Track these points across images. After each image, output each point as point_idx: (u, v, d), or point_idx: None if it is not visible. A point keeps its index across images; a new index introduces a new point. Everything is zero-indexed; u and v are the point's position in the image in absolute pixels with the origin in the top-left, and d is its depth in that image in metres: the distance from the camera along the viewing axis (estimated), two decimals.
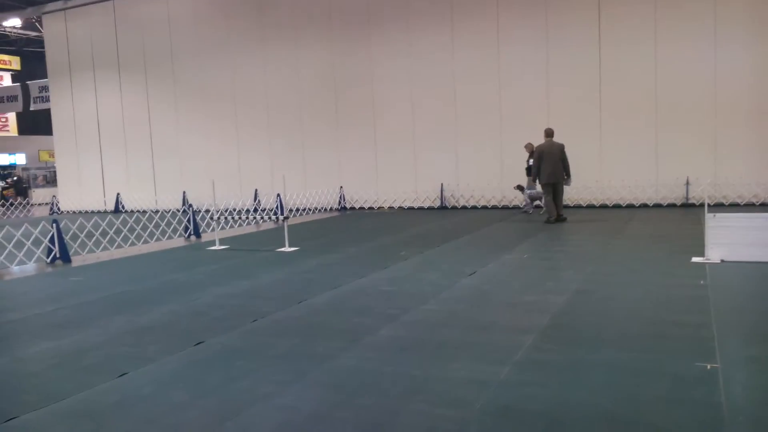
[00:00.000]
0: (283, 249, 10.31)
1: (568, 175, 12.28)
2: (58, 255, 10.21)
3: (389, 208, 17.85)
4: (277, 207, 16.48)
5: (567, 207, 15.50)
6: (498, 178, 16.43)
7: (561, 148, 12.18)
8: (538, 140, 12.90)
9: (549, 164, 12.13)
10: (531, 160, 13.63)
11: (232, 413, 3.64)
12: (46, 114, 26.76)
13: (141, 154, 22.20)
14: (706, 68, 14.15)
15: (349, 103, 18.28)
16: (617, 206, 15.07)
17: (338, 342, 4.95)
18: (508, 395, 3.74)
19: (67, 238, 10.97)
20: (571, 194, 15.55)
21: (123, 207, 22.45)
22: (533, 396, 3.70)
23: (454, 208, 16.98)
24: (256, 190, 19.45)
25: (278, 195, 16.65)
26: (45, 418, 3.72)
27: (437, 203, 17.22)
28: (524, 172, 14.44)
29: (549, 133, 12.33)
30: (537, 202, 14.23)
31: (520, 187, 14.62)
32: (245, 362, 4.57)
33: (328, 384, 4.06)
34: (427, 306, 6.00)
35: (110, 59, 22.40)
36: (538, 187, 13.44)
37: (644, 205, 14.91)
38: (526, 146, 14.19)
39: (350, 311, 5.95)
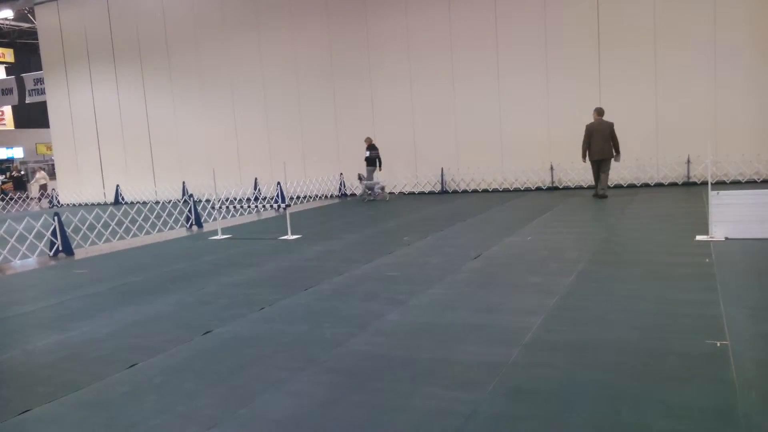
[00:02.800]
0: (285, 237, 10.30)
1: (618, 152, 12.71)
2: (60, 248, 10.21)
3: (390, 193, 17.84)
4: (277, 195, 16.45)
5: (568, 188, 15.56)
6: (498, 162, 16.41)
7: (610, 127, 12.62)
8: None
9: (598, 142, 12.61)
10: (369, 152, 16.24)
11: (244, 401, 3.65)
12: (41, 106, 26.62)
13: (139, 144, 22.13)
14: (706, 44, 14.06)
15: (348, 88, 18.18)
16: (618, 186, 15.06)
17: (347, 328, 4.96)
18: (519, 377, 3.75)
19: (69, 230, 10.96)
20: (572, 175, 15.57)
21: (123, 198, 22.42)
22: (544, 377, 3.71)
23: (454, 192, 16.96)
24: (255, 179, 19.40)
25: (278, 183, 16.61)
26: (58, 409, 3.73)
27: (438, 187, 17.20)
28: (365, 162, 16.40)
29: (600, 112, 12.81)
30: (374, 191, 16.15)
31: (360, 177, 16.14)
32: (255, 350, 4.58)
33: (339, 369, 4.07)
34: (433, 290, 6.01)
35: (105, 49, 22.25)
36: (376, 178, 16.17)
37: (646, 185, 14.91)
38: (365, 140, 16.56)
39: (357, 297, 5.96)
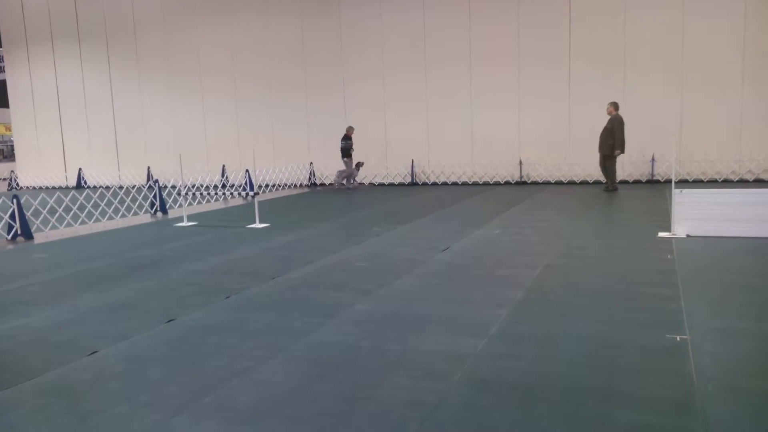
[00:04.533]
0: (253, 225, 10.20)
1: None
2: (19, 231, 9.91)
3: (360, 184, 17.79)
4: (246, 183, 16.26)
5: (536, 183, 15.75)
6: (468, 155, 16.51)
7: None
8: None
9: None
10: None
11: (209, 389, 3.60)
12: (1, 86, 25.76)
13: (103, 127, 21.60)
14: (674, 48, 14.34)
15: (320, 77, 18.03)
16: (585, 183, 15.30)
17: (315, 317, 4.93)
18: (486, 368, 3.78)
19: (28, 214, 10.65)
20: (540, 171, 15.76)
21: (86, 183, 21.88)
22: (510, 368, 3.76)
23: (424, 184, 17.01)
24: (223, 166, 19.14)
25: (247, 171, 16.42)
26: (18, 396, 3.62)
27: (408, 179, 17.23)
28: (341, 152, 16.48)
29: (617, 106, 13.19)
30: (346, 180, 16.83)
31: (358, 165, 16.67)
32: (220, 338, 4.52)
33: (306, 358, 4.05)
34: (402, 281, 6.03)
35: (69, 30, 21.60)
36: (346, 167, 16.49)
37: None
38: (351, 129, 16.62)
39: (325, 287, 5.94)
